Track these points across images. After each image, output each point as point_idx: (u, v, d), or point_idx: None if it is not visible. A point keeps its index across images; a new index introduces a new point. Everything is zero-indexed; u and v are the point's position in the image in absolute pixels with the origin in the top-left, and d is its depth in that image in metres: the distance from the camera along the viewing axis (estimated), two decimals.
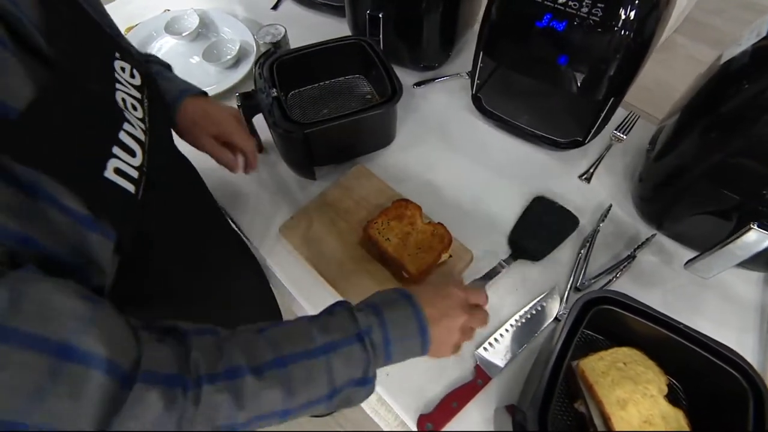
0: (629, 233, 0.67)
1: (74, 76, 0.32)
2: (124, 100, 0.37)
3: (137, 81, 0.40)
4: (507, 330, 0.58)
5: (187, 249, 0.52)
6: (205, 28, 0.98)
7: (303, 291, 0.63)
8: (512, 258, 0.64)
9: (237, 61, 0.90)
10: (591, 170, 0.72)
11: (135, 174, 0.35)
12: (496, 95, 0.76)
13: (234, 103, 0.69)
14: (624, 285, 0.62)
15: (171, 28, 0.95)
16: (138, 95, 0.39)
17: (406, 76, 0.70)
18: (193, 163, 0.60)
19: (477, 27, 0.85)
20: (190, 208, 0.56)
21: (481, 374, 0.55)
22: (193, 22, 0.95)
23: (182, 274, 0.52)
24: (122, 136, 0.34)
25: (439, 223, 0.62)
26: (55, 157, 0.28)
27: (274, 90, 0.68)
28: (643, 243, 0.63)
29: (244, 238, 0.69)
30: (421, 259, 0.59)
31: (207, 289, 0.59)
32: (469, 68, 0.85)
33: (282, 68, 0.72)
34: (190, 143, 0.59)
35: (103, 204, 0.31)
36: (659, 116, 0.71)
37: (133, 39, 0.93)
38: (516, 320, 0.59)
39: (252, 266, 0.69)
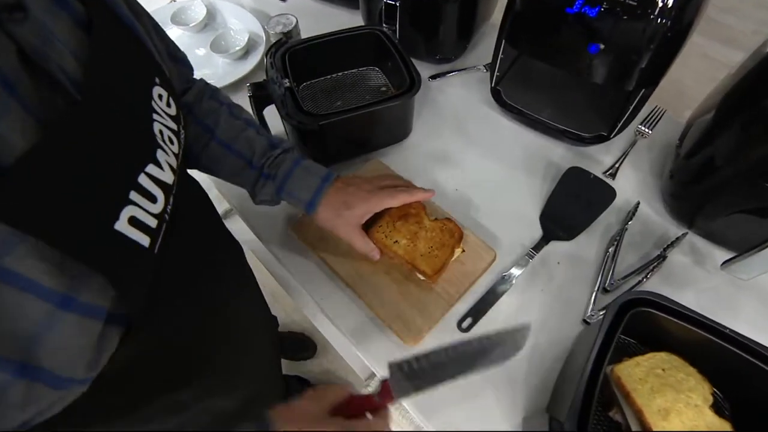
0: (658, 232, 0.64)
1: (104, 107, 0.29)
2: (161, 132, 0.33)
3: (173, 111, 0.36)
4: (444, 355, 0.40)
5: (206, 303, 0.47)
6: (212, 19, 0.95)
7: (317, 291, 0.60)
8: (544, 241, 0.61)
9: (246, 53, 0.88)
10: (617, 165, 0.69)
11: (153, 223, 0.31)
12: (517, 88, 0.73)
13: (244, 95, 0.66)
14: (654, 286, 0.59)
15: (177, 19, 0.92)
16: (174, 126, 0.36)
17: (421, 69, 0.68)
18: None
19: (494, 20, 0.82)
20: (205, 249, 0.49)
21: (385, 393, 0.38)
22: (200, 12, 0.92)
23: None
24: (142, 179, 0.30)
25: (446, 218, 0.59)
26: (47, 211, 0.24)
27: (287, 80, 0.65)
28: (673, 242, 0.60)
29: (255, 237, 0.66)
30: (434, 257, 0.56)
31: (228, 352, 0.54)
32: (487, 61, 0.83)
33: (294, 58, 0.69)
34: (337, 234, 0.54)
35: (107, 261, 0.27)
36: (672, 113, 0.68)
37: None
38: (457, 347, 0.40)
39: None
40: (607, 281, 0.59)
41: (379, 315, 0.56)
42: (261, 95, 0.65)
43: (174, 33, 0.93)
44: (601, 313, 0.56)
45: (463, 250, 0.59)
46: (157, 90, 0.35)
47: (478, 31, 0.85)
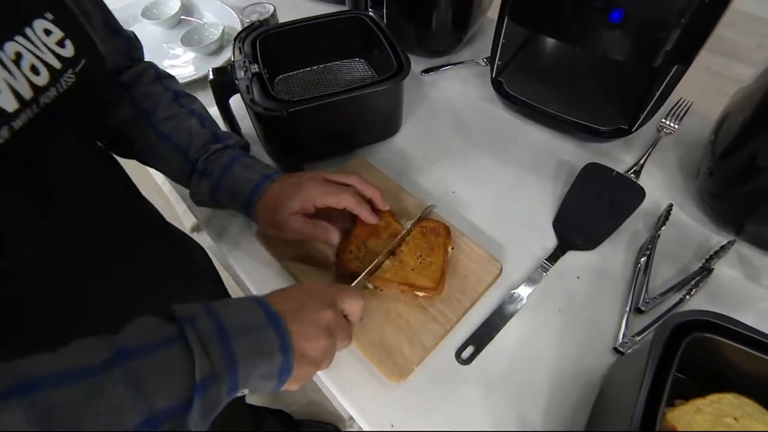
0: (697, 239, 0.53)
1: None
2: (19, 54, 0.29)
3: (67, 53, 0.32)
4: None
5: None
6: (187, 13, 0.87)
7: None
8: (560, 251, 0.51)
9: (220, 47, 0.80)
10: (641, 161, 0.59)
11: None
12: (521, 77, 0.64)
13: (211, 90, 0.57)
14: (700, 305, 0.48)
15: (149, 13, 0.84)
16: (57, 65, 0.31)
17: (412, 63, 0.59)
18: None
19: (493, 14, 0.74)
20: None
21: None
22: (174, 6, 0.85)
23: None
24: None
25: (420, 217, 0.50)
26: None
27: (256, 66, 0.56)
28: (718, 252, 0.49)
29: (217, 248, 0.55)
30: (428, 266, 0.46)
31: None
32: (486, 55, 0.75)
33: (267, 46, 0.60)
34: (281, 236, 0.46)
35: None
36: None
37: None
38: None
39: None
40: (641, 299, 0.48)
41: (356, 344, 0.44)
42: (223, 81, 0.55)
43: (145, 28, 0.85)
44: (638, 339, 0.45)
45: (453, 248, 0.49)
46: (44, 24, 0.31)
47: (476, 24, 0.77)
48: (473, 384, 0.43)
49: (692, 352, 0.35)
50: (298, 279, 0.49)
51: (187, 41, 0.78)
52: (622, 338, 0.45)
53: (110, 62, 0.41)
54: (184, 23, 0.86)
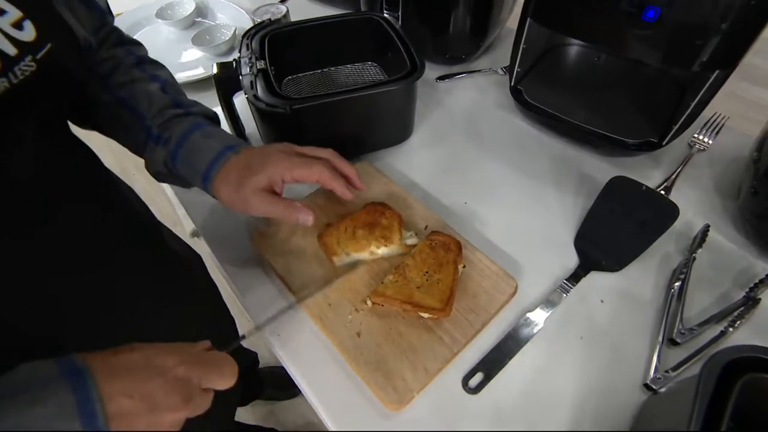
0: (737, 265, 0.48)
1: None
2: None
3: (26, 36, 0.27)
4: None
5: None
6: (201, 15, 0.87)
7: (272, 326, 0.45)
8: (582, 270, 0.46)
9: (231, 49, 0.78)
10: (673, 177, 0.54)
11: None
12: (542, 85, 0.61)
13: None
14: (745, 340, 0.42)
15: (164, 14, 0.84)
16: (11, 51, 0.26)
17: (427, 70, 0.56)
18: None
19: (512, 24, 0.72)
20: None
21: None
22: (189, 8, 0.84)
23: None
24: None
25: (434, 231, 0.46)
26: None
27: (262, 62, 0.53)
28: (764, 280, 0.44)
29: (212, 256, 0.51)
30: (436, 284, 0.42)
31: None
32: (504, 64, 0.72)
33: (277, 45, 0.58)
34: (244, 212, 0.41)
35: None
36: None
37: (121, 24, 0.82)
38: None
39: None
40: (675, 329, 0.42)
41: (351, 365, 0.40)
42: (227, 76, 0.53)
43: (159, 28, 0.84)
44: (673, 375, 0.39)
45: (464, 266, 0.45)
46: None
47: (495, 32, 0.74)
48: (481, 417, 0.38)
49: (745, 396, 0.29)
50: (292, 290, 0.45)
51: (198, 42, 0.77)
52: (654, 373, 0.40)
53: (84, 37, 0.36)
54: (197, 25, 0.86)
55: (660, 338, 0.42)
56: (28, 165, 0.30)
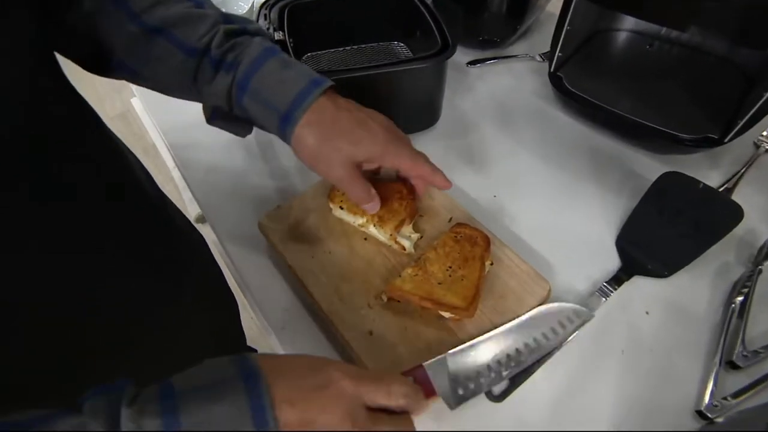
0: None
1: None
2: None
3: None
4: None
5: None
6: None
7: (277, 319, 0.41)
8: (624, 274, 0.41)
9: None
10: (735, 178, 0.48)
11: None
12: (585, 72, 0.55)
13: None
14: None
15: None
16: None
17: (457, 53, 0.52)
18: None
19: (553, 7, 0.66)
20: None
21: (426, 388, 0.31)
22: None
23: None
24: None
25: (458, 222, 0.42)
26: None
27: (280, 32, 0.50)
28: None
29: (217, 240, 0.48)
30: (460, 280, 0.38)
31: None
32: (542, 50, 0.66)
33: (297, 18, 0.54)
34: (314, 169, 0.36)
35: None
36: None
37: None
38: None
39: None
40: (735, 351, 0.36)
41: (362, 366, 0.36)
42: None
43: None
44: (734, 402, 0.33)
45: (492, 263, 0.40)
46: None
47: (533, 14, 0.68)
48: (503, 427, 0.34)
49: None
50: (300, 278, 0.41)
51: None
52: (710, 399, 0.34)
53: None
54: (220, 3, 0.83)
55: (717, 360, 0.36)
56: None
